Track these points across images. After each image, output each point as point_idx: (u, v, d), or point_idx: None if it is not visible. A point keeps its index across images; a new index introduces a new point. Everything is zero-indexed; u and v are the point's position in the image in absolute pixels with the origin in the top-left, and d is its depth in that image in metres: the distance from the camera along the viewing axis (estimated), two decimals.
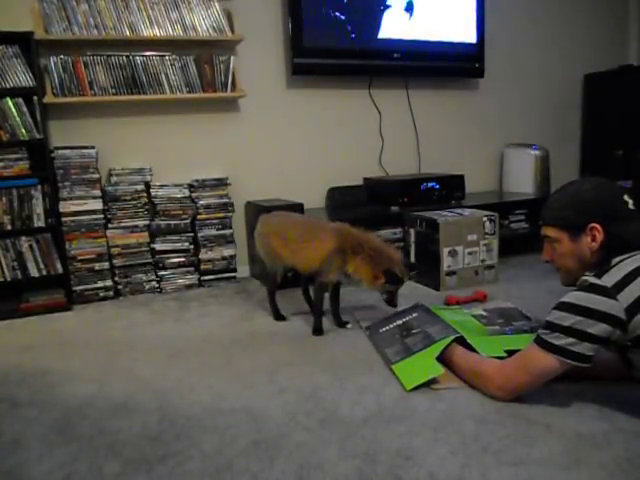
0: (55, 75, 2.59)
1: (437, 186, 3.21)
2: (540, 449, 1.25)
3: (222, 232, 2.91)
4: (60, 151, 2.61)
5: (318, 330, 2.10)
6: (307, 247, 2.09)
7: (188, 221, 2.86)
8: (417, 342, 1.77)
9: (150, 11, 2.73)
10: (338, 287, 2.19)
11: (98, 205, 2.67)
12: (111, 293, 2.73)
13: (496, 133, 3.81)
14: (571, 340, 1.29)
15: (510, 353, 1.54)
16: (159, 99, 2.81)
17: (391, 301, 2.05)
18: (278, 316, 2.30)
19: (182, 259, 2.85)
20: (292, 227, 2.20)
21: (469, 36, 3.49)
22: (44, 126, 2.53)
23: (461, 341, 1.69)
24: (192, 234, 2.87)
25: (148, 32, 2.71)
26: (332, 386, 1.64)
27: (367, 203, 3.27)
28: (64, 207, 2.61)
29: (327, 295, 2.18)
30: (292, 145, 3.24)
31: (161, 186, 2.82)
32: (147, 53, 2.76)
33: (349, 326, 2.16)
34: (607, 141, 3.84)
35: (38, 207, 2.57)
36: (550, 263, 1.51)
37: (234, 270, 2.98)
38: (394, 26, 3.25)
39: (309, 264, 2.10)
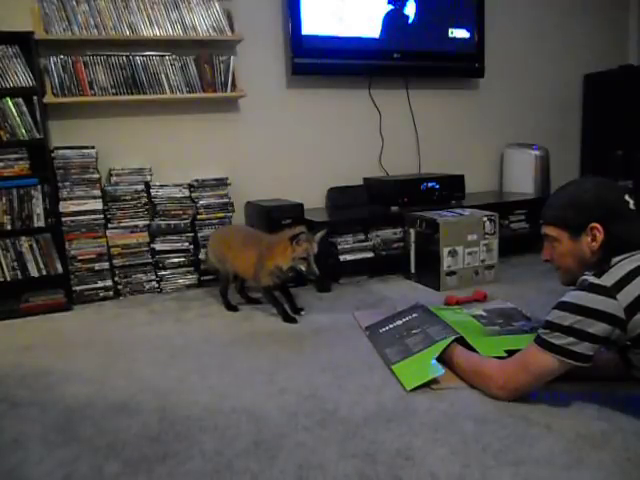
0: (55, 75, 2.59)
1: (437, 186, 3.21)
2: (540, 449, 1.25)
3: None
4: (60, 151, 2.60)
5: (287, 317, 2.26)
6: (244, 257, 2.36)
7: (188, 221, 2.85)
8: (417, 342, 1.77)
9: (150, 11, 2.73)
10: (286, 287, 2.40)
11: (98, 205, 2.67)
12: (111, 293, 2.73)
13: (496, 133, 3.80)
14: (571, 340, 1.29)
15: (510, 353, 1.54)
16: (159, 99, 2.81)
17: (309, 269, 2.17)
18: (229, 307, 2.47)
19: (182, 259, 2.85)
20: (234, 239, 2.48)
21: (469, 36, 3.49)
22: (44, 126, 2.53)
23: (461, 341, 1.69)
24: (192, 234, 2.86)
25: (148, 32, 2.71)
26: (332, 386, 1.64)
27: (367, 203, 3.27)
28: (64, 207, 2.61)
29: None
30: (292, 145, 3.24)
31: (161, 186, 2.82)
32: (147, 53, 2.76)
33: (303, 313, 2.33)
34: (607, 141, 3.84)
35: (38, 207, 2.57)
36: (550, 262, 1.51)
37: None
38: (394, 26, 3.25)
39: (246, 272, 2.40)
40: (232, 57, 2.90)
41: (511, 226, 3.29)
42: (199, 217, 2.88)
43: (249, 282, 2.52)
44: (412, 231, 2.82)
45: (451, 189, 3.26)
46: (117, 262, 2.73)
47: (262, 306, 2.48)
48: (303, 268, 2.18)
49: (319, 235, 2.25)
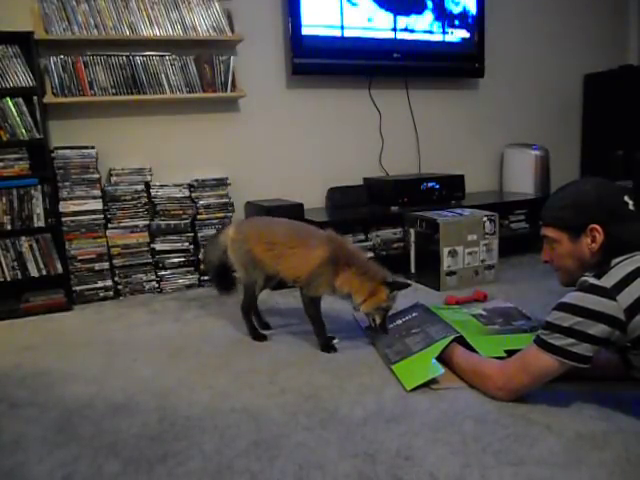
0: (55, 75, 2.59)
1: (437, 186, 3.21)
2: (540, 449, 1.25)
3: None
4: (60, 151, 2.60)
5: (327, 346, 1.91)
6: (295, 253, 1.90)
7: (188, 221, 2.85)
8: (417, 342, 1.77)
9: (150, 11, 2.73)
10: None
11: (98, 205, 2.67)
12: (111, 293, 2.73)
13: (496, 133, 3.80)
14: (571, 341, 1.29)
15: (510, 353, 1.54)
16: (159, 99, 2.81)
17: (383, 325, 1.84)
18: (256, 335, 2.06)
19: (182, 259, 2.85)
20: (278, 230, 2.00)
21: (469, 36, 3.49)
22: (44, 126, 2.53)
23: (461, 341, 1.69)
24: (192, 234, 2.86)
25: (148, 32, 2.71)
26: (332, 386, 1.64)
27: (367, 203, 3.27)
28: (64, 207, 2.61)
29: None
30: (292, 145, 3.24)
31: (161, 186, 2.82)
32: (147, 53, 2.76)
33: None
34: (607, 141, 3.84)
35: (38, 207, 2.57)
36: (549, 263, 1.51)
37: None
38: (394, 26, 3.26)
39: (296, 272, 1.91)
40: (232, 57, 2.89)
41: (511, 226, 3.29)
42: (199, 217, 2.87)
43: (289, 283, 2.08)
44: (412, 231, 2.82)
45: (451, 189, 3.26)
46: (117, 262, 2.73)
47: (261, 307, 2.47)
48: (378, 319, 1.83)
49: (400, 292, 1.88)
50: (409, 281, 1.90)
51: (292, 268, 1.92)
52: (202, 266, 2.71)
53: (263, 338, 2.06)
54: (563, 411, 1.41)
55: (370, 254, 2.88)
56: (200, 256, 2.81)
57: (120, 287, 2.75)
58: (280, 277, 2.01)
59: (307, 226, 2.07)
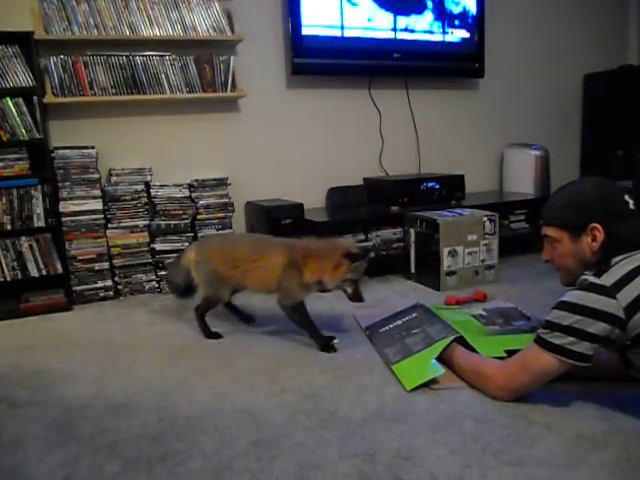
0: (55, 75, 2.59)
1: (437, 186, 3.21)
2: (540, 449, 1.25)
3: (222, 232, 2.91)
4: (60, 151, 2.60)
5: (326, 346, 1.91)
6: (259, 266, 1.96)
7: (188, 221, 2.85)
8: (417, 342, 1.77)
9: (150, 11, 2.73)
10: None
11: (98, 205, 2.67)
12: (111, 293, 2.72)
13: (496, 133, 3.80)
14: (571, 339, 1.29)
15: (510, 353, 1.54)
16: (159, 99, 2.81)
17: (356, 293, 1.89)
18: (210, 334, 2.10)
19: None
20: (239, 246, 2.06)
21: (469, 36, 3.49)
22: (44, 126, 2.53)
23: (461, 341, 1.69)
24: (192, 234, 2.86)
25: (148, 32, 2.71)
26: (332, 386, 1.64)
27: (367, 203, 3.27)
28: (64, 207, 2.61)
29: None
30: (292, 145, 3.24)
31: (161, 186, 2.82)
32: (147, 53, 2.76)
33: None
34: (607, 141, 3.84)
35: (38, 207, 2.57)
36: (550, 263, 1.51)
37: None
38: (394, 26, 3.26)
39: (265, 285, 1.98)
40: (232, 57, 2.90)
41: (511, 226, 3.29)
42: (199, 217, 2.87)
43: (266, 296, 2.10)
44: (412, 231, 2.82)
45: (451, 189, 3.26)
46: (117, 262, 2.73)
47: (261, 308, 2.47)
48: (349, 290, 1.89)
49: (370, 256, 1.94)
50: (369, 247, 1.95)
51: (260, 281, 1.99)
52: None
53: (217, 336, 2.11)
54: (563, 411, 1.41)
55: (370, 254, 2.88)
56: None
57: (120, 287, 2.75)
58: (250, 290, 2.09)
59: (264, 237, 2.18)
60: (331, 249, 1.89)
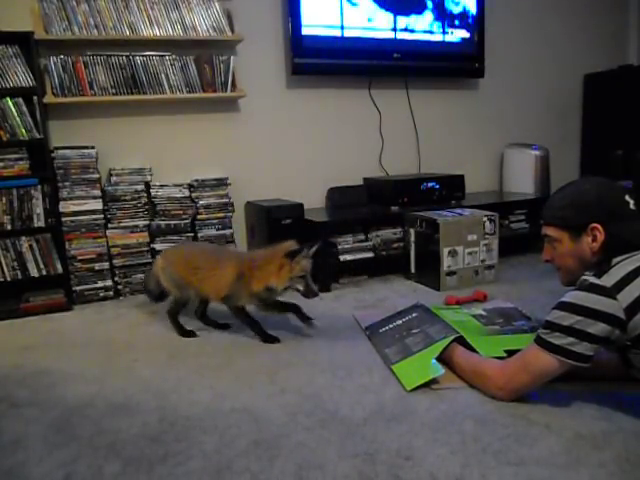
0: (55, 75, 2.59)
1: (437, 186, 3.21)
2: (540, 449, 1.25)
3: (222, 232, 2.91)
4: (60, 151, 2.60)
5: (267, 337, 2.04)
6: (214, 275, 2.07)
7: (188, 221, 2.85)
8: (417, 342, 1.77)
9: (150, 11, 2.73)
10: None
11: (98, 205, 2.67)
12: (111, 293, 2.72)
13: (496, 133, 3.80)
14: (571, 340, 1.29)
15: (510, 353, 1.55)
16: (159, 99, 2.81)
17: (308, 288, 1.95)
18: (184, 333, 2.18)
19: None
20: (199, 256, 2.18)
21: (469, 36, 3.49)
22: (44, 126, 2.53)
23: (461, 341, 1.69)
24: (192, 234, 2.86)
25: (148, 32, 2.71)
26: (332, 386, 1.64)
27: (367, 203, 3.26)
28: (64, 207, 2.61)
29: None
30: (292, 145, 3.24)
31: (161, 186, 2.82)
32: (147, 53, 2.76)
33: (314, 321, 2.11)
34: (607, 141, 3.84)
35: (38, 207, 2.57)
36: (550, 263, 1.51)
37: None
38: (394, 26, 3.26)
39: (218, 292, 2.08)
40: (232, 57, 2.89)
41: (511, 226, 3.29)
42: (199, 217, 2.87)
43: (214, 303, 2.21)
44: (412, 231, 2.82)
45: (451, 189, 3.26)
46: (117, 262, 2.73)
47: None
48: (301, 288, 1.95)
49: (313, 250, 2.01)
50: (311, 244, 2.01)
51: (214, 289, 2.09)
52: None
53: (192, 334, 2.16)
54: (563, 411, 1.41)
55: (370, 254, 2.88)
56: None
57: (120, 287, 2.75)
58: (206, 297, 2.20)
59: (221, 249, 2.32)
60: (272, 254, 1.98)
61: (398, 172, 3.47)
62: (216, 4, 2.86)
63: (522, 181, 3.63)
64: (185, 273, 2.14)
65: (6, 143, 2.50)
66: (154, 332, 2.22)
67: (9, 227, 2.53)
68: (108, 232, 2.71)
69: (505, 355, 1.59)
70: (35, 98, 2.50)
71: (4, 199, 2.52)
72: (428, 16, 3.36)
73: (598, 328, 1.26)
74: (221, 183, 2.93)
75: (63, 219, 2.62)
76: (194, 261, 2.15)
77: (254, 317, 2.10)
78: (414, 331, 1.85)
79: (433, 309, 2.02)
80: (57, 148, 2.61)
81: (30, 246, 2.57)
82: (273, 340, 2.04)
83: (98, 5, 2.63)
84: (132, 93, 2.73)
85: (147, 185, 2.80)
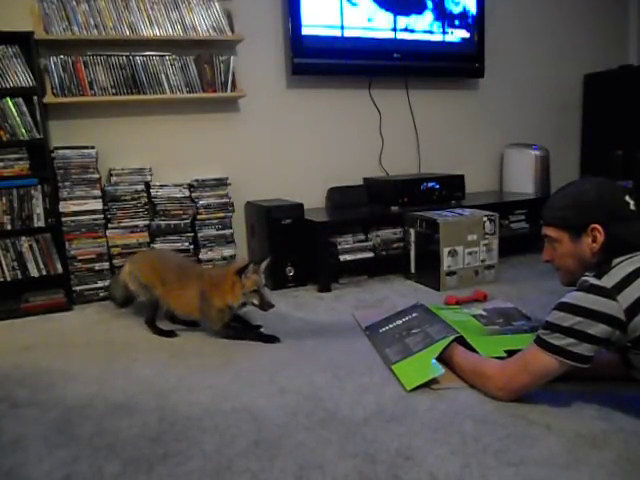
0: (55, 75, 2.58)
1: (437, 186, 3.21)
2: (540, 449, 1.25)
3: (222, 232, 2.91)
4: (60, 151, 2.60)
5: (266, 339, 2.05)
6: (181, 295, 2.13)
7: (188, 221, 2.85)
8: (417, 342, 1.77)
9: (150, 11, 2.73)
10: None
11: (98, 205, 2.67)
12: None
13: (496, 133, 3.80)
14: (571, 341, 1.29)
15: (510, 353, 1.55)
16: (159, 99, 2.81)
17: (262, 301, 2.01)
18: (163, 333, 2.19)
19: None
20: (168, 269, 2.21)
21: (469, 36, 3.49)
22: (44, 126, 2.53)
23: (461, 341, 1.69)
24: (192, 234, 2.86)
25: (148, 32, 2.71)
26: (332, 386, 1.64)
27: (367, 203, 3.26)
28: (64, 207, 2.61)
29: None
30: (292, 145, 3.24)
31: (161, 186, 2.82)
32: (147, 53, 2.76)
33: (262, 329, 2.15)
34: (607, 141, 3.84)
35: (38, 207, 2.57)
36: (550, 263, 1.51)
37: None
38: (394, 26, 3.26)
39: (187, 310, 2.16)
40: (232, 57, 2.89)
41: (511, 226, 3.29)
42: (199, 217, 2.87)
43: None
44: (412, 231, 2.83)
45: (451, 189, 3.26)
46: (117, 262, 2.72)
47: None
48: (256, 302, 2.01)
49: (264, 264, 2.08)
50: (253, 261, 2.06)
51: (181, 307, 2.17)
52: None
53: (172, 334, 2.18)
54: (563, 411, 1.41)
55: (370, 254, 2.88)
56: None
57: None
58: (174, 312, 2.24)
59: (187, 263, 2.34)
60: (224, 273, 2.06)
61: (398, 172, 3.47)
62: (216, 4, 2.86)
63: (522, 181, 3.63)
64: (152, 280, 2.19)
65: (6, 143, 2.49)
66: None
67: (9, 227, 2.53)
68: (108, 232, 2.71)
69: (505, 355, 1.59)
70: (35, 98, 2.50)
71: (4, 199, 2.52)
72: (428, 16, 3.36)
73: (598, 329, 1.26)
74: (221, 183, 2.93)
75: (63, 219, 2.61)
76: (161, 271, 2.19)
77: (240, 328, 2.13)
78: (414, 331, 1.85)
79: (433, 309, 2.02)
80: (57, 148, 2.61)
81: (30, 246, 2.56)
82: (273, 340, 2.04)
83: (98, 5, 2.63)
84: (132, 93, 2.73)
85: (147, 185, 2.80)
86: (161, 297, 2.18)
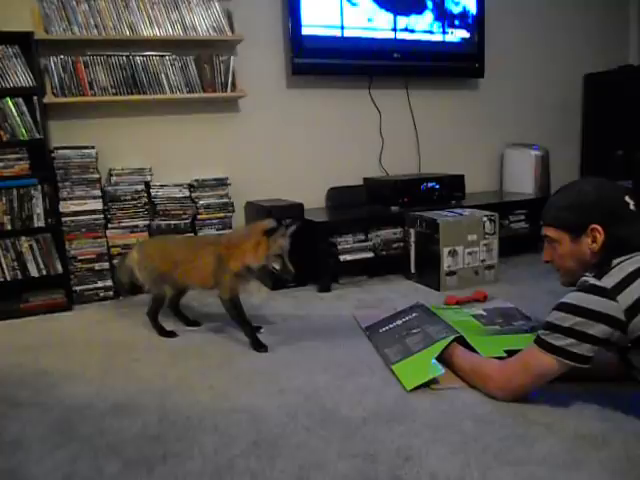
0: (55, 75, 2.59)
1: (437, 186, 3.21)
2: (540, 449, 1.25)
3: (222, 232, 2.91)
4: (60, 151, 2.60)
5: (258, 344, 1.95)
6: (195, 266, 2.06)
7: (188, 221, 2.85)
8: (417, 342, 1.77)
9: (150, 11, 2.73)
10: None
11: (98, 205, 2.67)
12: (111, 293, 2.72)
13: (496, 133, 3.80)
14: (571, 341, 1.29)
15: (510, 353, 1.55)
16: (159, 99, 2.81)
17: (284, 267, 1.91)
18: (164, 333, 2.16)
19: None
20: (177, 249, 2.17)
21: (469, 36, 3.49)
22: (44, 126, 2.53)
23: (461, 341, 1.69)
24: (192, 234, 2.86)
25: (148, 32, 2.71)
26: (332, 386, 1.64)
27: (367, 203, 3.26)
28: (64, 207, 2.61)
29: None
30: (292, 145, 3.24)
31: (161, 186, 2.82)
32: (147, 53, 2.76)
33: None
34: (607, 141, 3.84)
35: (38, 207, 2.56)
36: (550, 263, 1.51)
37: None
38: (393, 26, 3.26)
39: (203, 282, 2.08)
40: (232, 57, 2.89)
41: (511, 226, 3.29)
42: (199, 217, 2.87)
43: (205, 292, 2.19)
44: (412, 231, 2.82)
45: (451, 189, 3.26)
46: (117, 262, 2.72)
47: (262, 306, 2.47)
48: (277, 267, 1.91)
49: (292, 229, 1.97)
50: (283, 223, 1.98)
51: (198, 279, 2.09)
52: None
53: (172, 334, 2.15)
54: (563, 411, 1.41)
55: (370, 254, 2.87)
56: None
57: None
58: (192, 288, 2.22)
59: (197, 238, 2.34)
60: (249, 233, 1.97)
61: (398, 172, 3.47)
62: (216, 4, 2.86)
63: (522, 181, 3.63)
64: (166, 268, 2.11)
65: (6, 143, 2.49)
66: (154, 332, 2.21)
67: (9, 227, 2.53)
68: (108, 232, 2.71)
69: (505, 355, 1.59)
70: (35, 98, 2.50)
71: (4, 199, 2.52)
72: (428, 16, 3.36)
73: (598, 330, 1.26)
74: (221, 183, 2.93)
75: (63, 219, 2.61)
76: (172, 255, 2.13)
77: (248, 319, 2.04)
78: (414, 331, 1.85)
79: (433, 309, 2.02)
80: (57, 148, 2.61)
81: (30, 246, 2.56)
82: (261, 348, 1.94)
83: (98, 5, 2.63)
84: (132, 93, 2.73)
85: (147, 185, 2.80)
86: (178, 281, 2.14)
